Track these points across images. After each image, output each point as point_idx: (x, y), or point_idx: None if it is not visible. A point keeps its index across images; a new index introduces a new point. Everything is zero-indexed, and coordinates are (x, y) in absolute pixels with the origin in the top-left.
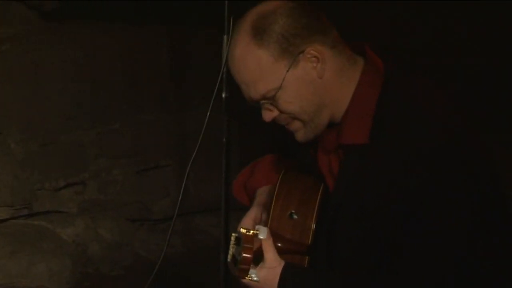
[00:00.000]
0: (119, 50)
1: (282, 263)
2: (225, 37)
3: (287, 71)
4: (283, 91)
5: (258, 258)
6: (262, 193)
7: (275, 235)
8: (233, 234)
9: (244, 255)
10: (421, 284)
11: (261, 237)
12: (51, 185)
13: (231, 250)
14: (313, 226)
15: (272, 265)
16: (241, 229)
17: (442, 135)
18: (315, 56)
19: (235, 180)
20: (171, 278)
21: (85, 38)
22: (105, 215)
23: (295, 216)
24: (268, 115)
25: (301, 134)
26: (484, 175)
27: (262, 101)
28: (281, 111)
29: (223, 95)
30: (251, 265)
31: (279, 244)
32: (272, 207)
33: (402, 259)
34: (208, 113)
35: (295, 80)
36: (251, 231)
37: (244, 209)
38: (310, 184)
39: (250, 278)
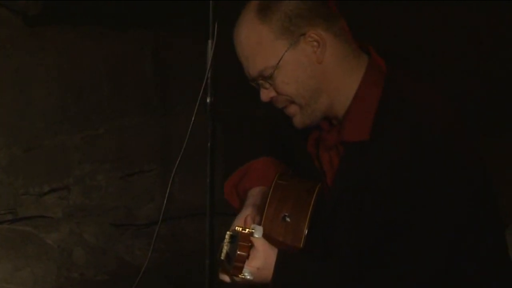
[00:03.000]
0: (103, 54)
1: (275, 250)
2: (209, 41)
3: (286, 50)
4: (280, 71)
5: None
6: (254, 195)
7: (267, 237)
8: (228, 232)
9: (239, 252)
10: (415, 279)
11: (256, 235)
12: (35, 190)
13: (225, 248)
14: (306, 231)
15: (266, 252)
16: (237, 227)
17: (440, 135)
18: (316, 40)
19: (227, 180)
20: (156, 283)
21: (69, 42)
22: (89, 220)
23: (288, 219)
24: (266, 94)
25: (297, 118)
26: (479, 172)
27: (260, 80)
28: (278, 92)
29: (208, 100)
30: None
31: None
32: (266, 209)
33: (398, 253)
34: (193, 118)
35: (293, 61)
36: (247, 229)
37: (229, 214)
38: (305, 187)
39: (243, 276)
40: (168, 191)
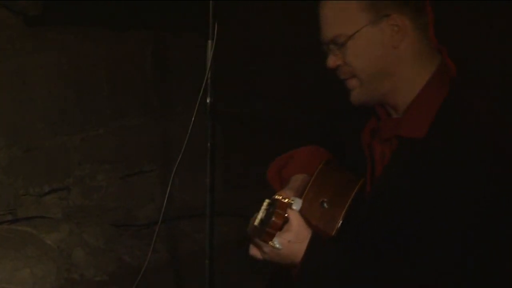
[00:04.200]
0: (103, 55)
1: (310, 230)
2: (209, 42)
3: (366, 25)
4: (354, 42)
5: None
6: (296, 180)
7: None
8: (266, 200)
9: (274, 219)
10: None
11: (294, 207)
12: (35, 190)
13: (260, 214)
14: (340, 221)
15: (300, 228)
16: (277, 195)
17: (495, 148)
18: (397, 25)
19: (271, 164)
20: (155, 284)
21: (69, 43)
22: (89, 220)
23: (326, 205)
24: (333, 61)
25: (355, 93)
26: None
27: (332, 45)
28: (345, 63)
29: (208, 100)
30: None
31: None
32: (306, 191)
33: (435, 255)
34: (193, 118)
35: (370, 37)
36: (287, 199)
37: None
38: (349, 178)
39: (272, 244)
40: (168, 191)
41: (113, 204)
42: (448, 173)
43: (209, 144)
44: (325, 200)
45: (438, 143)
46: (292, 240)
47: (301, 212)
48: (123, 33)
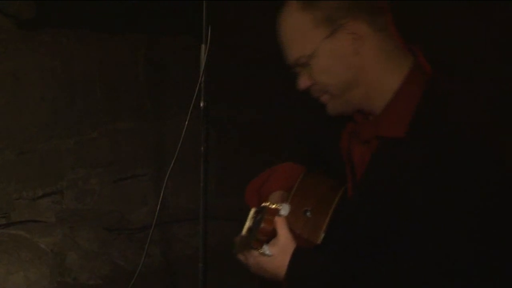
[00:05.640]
0: (96, 59)
1: (294, 245)
2: (202, 46)
3: (323, 40)
4: (316, 60)
5: (270, 237)
6: (274, 196)
7: None
8: (253, 208)
9: (264, 225)
10: (436, 282)
11: (282, 213)
12: (28, 194)
13: (247, 223)
14: (324, 228)
15: (286, 243)
16: (264, 203)
17: (475, 142)
18: (354, 33)
19: (248, 185)
20: (149, 287)
21: (62, 47)
22: (82, 224)
23: (309, 214)
24: (303, 82)
25: (330, 106)
26: None
27: (298, 68)
28: (314, 81)
29: (201, 104)
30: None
31: None
32: (289, 201)
33: (421, 256)
34: (186, 122)
35: (330, 51)
36: (275, 205)
37: (223, 218)
38: (331, 186)
39: (262, 251)
40: (161, 195)
41: (107, 207)
42: (429, 171)
43: (202, 148)
44: (308, 209)
45: (417, 141)
46: (276, 254)
47: (286, 222)
48: (116, 36)
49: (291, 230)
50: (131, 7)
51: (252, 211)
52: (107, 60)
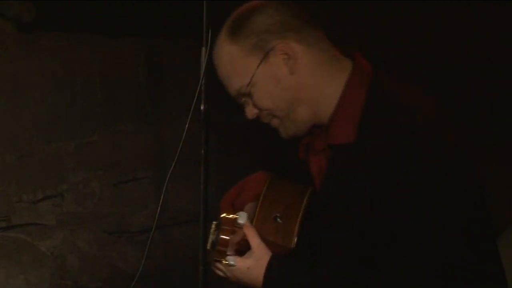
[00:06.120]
0: (97, 61)
1: (270, 254)
2: (203, 49)
3: (257, 67)
4: (255, 87)
5: (243, 248)
6: (249, 208)
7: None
8: (214, 222)
9: (222, 236)
10: (408, 279)
11: (240, 221)
12: (28, 197)
13: (210, 237)
14: (296, 232)
15: (260, 254)
16: (221, 215)
17: (422, 137)
18: (285, 53)
19: (222, 199)
20: None
21: (62, 50)
22: (83, 227)
23: (280, 220)
24: (250, 112)
25: (282, 130)
26: (465, 176)
27: (242, 98)
28: (257, 108)
29: (202, 107)
30: (230, 252)
31: None
32: (258, 210)
33: (386, 257)
34: (187, 125)
35: (266, 76)
36: (231, 215)
37: None
38: (298, 190)
39: (227, 262)
40: (162, 198)
41: (107, 210)
42: (380, 173)
43: (202, 151)
44: (278, 215)
45: (366, 143)
46: (251, 266)
47: (256, 231)
48: (116, 39)
49: (264, 238)
50: (131, 10)
51: (213, 225)
52: (107, 63)
